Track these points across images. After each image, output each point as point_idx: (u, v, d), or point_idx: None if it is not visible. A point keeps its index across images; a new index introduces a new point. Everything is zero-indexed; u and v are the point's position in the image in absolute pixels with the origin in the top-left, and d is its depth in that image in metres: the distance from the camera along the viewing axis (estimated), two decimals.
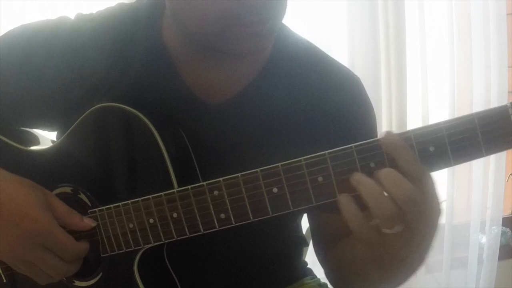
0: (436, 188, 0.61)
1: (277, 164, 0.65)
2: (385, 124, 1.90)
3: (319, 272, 1.15)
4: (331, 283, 0.92)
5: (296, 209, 0.66)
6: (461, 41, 1.97)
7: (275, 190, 0.65)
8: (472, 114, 0.60)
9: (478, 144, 0.60)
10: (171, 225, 0.72)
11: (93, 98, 0.79)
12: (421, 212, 0.59)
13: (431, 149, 0.61)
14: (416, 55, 1.92)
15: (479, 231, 2.14)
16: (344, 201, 0.62)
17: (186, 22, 0.73)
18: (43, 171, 0.83)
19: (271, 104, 0.82)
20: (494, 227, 2.15)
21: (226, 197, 0.68)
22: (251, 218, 0.68)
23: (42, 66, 0.81)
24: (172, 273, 0.81)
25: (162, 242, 0.74)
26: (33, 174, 0.80)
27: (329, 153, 0.63)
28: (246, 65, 0.82)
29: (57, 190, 0.81)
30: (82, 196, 0.80)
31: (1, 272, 0.87)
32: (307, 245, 1.06)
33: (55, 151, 0.83)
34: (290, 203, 0.65)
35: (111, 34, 0.82)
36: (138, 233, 0.74)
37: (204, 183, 0.69)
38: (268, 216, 0.67)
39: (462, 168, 2.09)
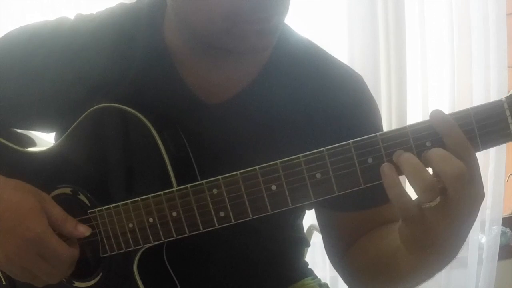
0: (479, 170, 0.60)
1: (275, 162, 0.65)
2: (385, 124, 1.90)
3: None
4: (351, 285, 0.91)
5: (295, 205, 0.66)
6: (461, 41, 1.97)
7: (273, 187, 0.66)
8: (468, 109, 0.61)
9: (475, 138, 0.60)
10: (171, 224, 0.72)
11: (93, 98, 0.79)
12: (466, 190, 0.58)
13: (428, 144, 0.61)
14: (416, 55, 1.92)
15: (479, 231, 2.14)
16: (387, 170, 0.61)
17: (190, 21, 0.73)
18: (42, 172, 0.83)
19: (271, 104, 0.81)
20: (494, 227, 2.15)
21: (225, 195, 0.68)
22: (251, 215, 0.68)
23: (42, 66, 0.81)
24: (172, 273, 0.81)
25: (161, 242, 0.74)
26: (32, 175, 0.80)
27: (327, 149, 0.63)
28: (247, 65, 0.82)
29: (57, 191, 0.81)
30: (82, 197, 0.80)
31: (0, 275, 0.87)
32: (308, 245, 1.06)
33: (54, 151, 0.83)
34: (289, 200, 0.66)
35: (111, 35, 0.82)
36: (138, 232, 0.74)
37: (203, 181, 0.69)
38: (267, 214, 0.67)
39: None
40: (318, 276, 1.06)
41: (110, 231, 0.77)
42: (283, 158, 0.65)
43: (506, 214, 2.30)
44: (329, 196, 0.65)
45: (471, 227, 0.63)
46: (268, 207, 0.67)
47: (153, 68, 0.81)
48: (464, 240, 0.64)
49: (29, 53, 0.82)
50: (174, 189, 0.71)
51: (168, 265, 0.81)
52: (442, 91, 1.98)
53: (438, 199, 0.58)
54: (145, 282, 0.78)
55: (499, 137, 0.60)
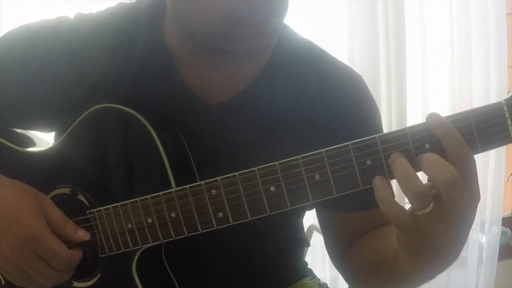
0: (477, 172, 0.60)
1: (274, 163, 0.65)
2: (385, 124, 1.90)
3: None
4: (352, 285, 0.91)
5: (293, 207, 0.66)
6: (461, 41, 1.97)
7: (272, 188, 0.66)
8: (467, 111, 0.60)
9: (474, 140, 0.60)
10: (170, 224, 0.72)
11: (92, 98, 0.79)
12: (460, 195, 0.58)
13: (427, 146, 0.61)
14: (416, 55, 1.92)
15: (479, 231, 2.14)
16: (378, 183, 0.61)
17: (189, 22, 0.73)
18: (41, 172, 0.83)
19: (272, 104, 0.81)
20: (494, 227, 2.15)
21: (224, 196, 0.68)
22: (249, 216, 0.68)
23: (42, 66, 0.81)
24: (171, 274, 0.81)
25: (160, 242, 0.74)
26: (31, 175, 0.80)
27: (326, 151, 0.63)
28: (247, 65, 0.82)
29: (56, 191, 0.81)
30: (81, 197, 0.80)
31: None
32: (307, 245, 1.06)
33: (53, 152, 0.83)
34: (287, 201, 0.66)
35: (111, 34, 0.82)
36: (137, 233, 0.74)
37: (202, 182, 0.69)
38: (266, 215, 0.67)
39: None
40: (318, 276, 1.06)
41: (109, 231, 0.76)
42: (283, 159, 0.65)
43: (506, 214, 2.30)
44: (328, 198, 0.65)
45: (470, 228, 0.63)
46: (267, 208, 0.67)
47: (153, 68, 0.80)
48: (464, 242, 0.64)
49: (28, 53, 0.82)
50: (173, 189, 0.71)
51: (167, 266, 0.81)
52: (442, 91, 1.98)
53: (431, 205, 0.58)
54: (144, 283, 0.78)
55: (499, 140, 0.60)
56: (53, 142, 0.87)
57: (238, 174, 0.67)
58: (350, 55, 1.83)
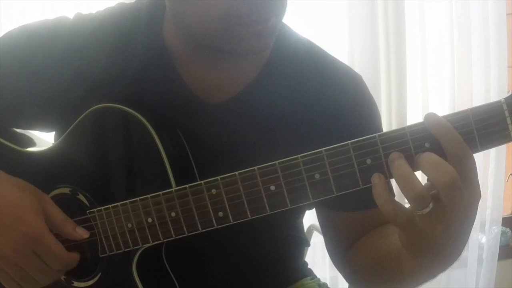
0: (476, 171, 0.60)
1: (274, 162, 0.65)
2: (385, 124, 1.90)
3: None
4: (352, 284, 0.91)
5: (293, 206, 0.66)
6: (461, 41, 1.97)
7: (272, 187, 0.66)
8: (466, 110, 0.60)
9: (473, 139, 0.60)
10: (170, 224, 0.72)
11: (92, 98, 0.79)
12: (459, 195, 0.58)
13: (427, 145, 0.61)
14: (416, 55, 1.92)
15: (479, 231, 2.14)
16: (376, 180, 0.61)
17: (187, 22, 0.73)
18: (41, 172, 0.83)
19: (271, 104, 0.81)
20: (494, 227, 2.15)
21: (224, 195, 0.68)
22: (249, 216, 0.68)
23: (42, 66, 0.81)
24: (171, 273, 0.81)
25: (160, 242, 0.74)
26: (31, 175, 0.80)
27: (325, 150, 0.63)
28: (246, 65, 0.82)
29: (56, 191, 0.81)
30: (81, 197, 0.80)
31: None
32: (307, 245, 1.06)
33: (53, 152, 0.83)
34: (287, 200, 0.66)
35: (111, 34, 0.82)
36: (137, 233, 0.74)
37: (202, 181, 0.69)
38: (266, 214, 0.67)
39: None
40: (318, 276, 1.06)
41: (109, 231, 0.77)
42: (283, 158, 0.65)
43: (506, 214, 2.30)
44: (328, 197, 0.65)
45: (471, 227, 0.63)
46: (267, 207, 0.67)
47: (153, 68, 0.81)
48: (466, 241, 0.64)
49: (28, 53, 0.82)
50: (173, 189, 0.71)
51: (167, 265, 0.81)
52: (442, 91, 1.98)
53: (431, 205, 0.58)
54: (144, 282, 0.78)
55: (498, 138, 0.60)
56: (53, 142, 0.87)
57: (238, 173, 0.67)
58: (350, 55, 1.83)
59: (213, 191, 0.69)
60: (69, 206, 0.79)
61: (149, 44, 0.81)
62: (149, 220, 0.73)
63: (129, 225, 0.74)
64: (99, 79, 0.81)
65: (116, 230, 0.76)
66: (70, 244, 0.78)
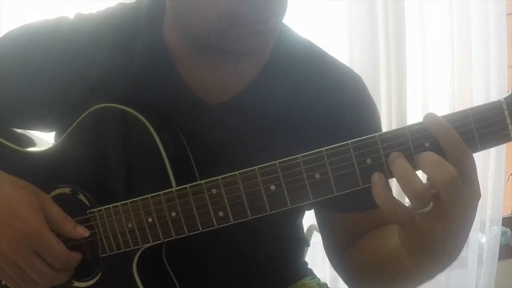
0: (476, 171, 0.60)
1: (274, 162, 0.65)
2: (385, 124, 1.90)
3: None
4: (350, 285, 0.91)
5: (294, 206, 0.66)
6: (461, 41, 1.97)
7: (272, 187, 0.66)
8: (466, 110, 0.60)
9: (473, 139, 0.60)
10: (170, 224, 0.72)
11: (92, 98, 0.79)
12: (459, 194, 0.58)
13: (427, 144, 0.61)
14: (416, 55, 1.92)
15: (479, 231, 2.14)
16: (376, 179, 0.62)
17: (187, 22, 0.73)
18: (42, 172, 0.83)
19: (271, 104, 0.81)
20: (494, 227, 2.15)
21: (224, 195, 0.68)
22: (249, 216, 0.68)
23: (42, 66, 0.81)
24: (171, 273, 0.81)
25: (161, 241, 0.74)
26: (32, 175, 0.80)
27: (326, 150, 0.63)
28: (246, 65, 0.82)
29: (56, 191, 0.81)
30: (81, 197, 0.80)
31: None
32: (307, 245, 1.06)
33: (54, 151, 0.83)
34: (288, 200, 0.66)
35: (111, 34, 0.82)
36: (137, 232, 0.74)
37: (202, 181, 0.69)
38: (266, 214, 0.67)
39: None
40: (318, 276, 1.06)
41: (109, 231, 0.77)
42: (283, 158, 0.65)
43: (506, 214, 2.30)
44: (328, 197, 0.65)
45: (471, 227, 0.63)
46: (267, 207, 0.67)
47: (153, 68, 0.81)
48: (465, 240, 0.64)
49: (29, 53, 0.82)
50: (173, 189, 0.71)
51: (167, 265, 0.81)
52: (442, 91, 1.98)
53: (431, 204, 0.58)
54: (145, 282, 0.78)
55: (498, 138, 0.60)
56: (53, 142, 0.87)
57: (239, 173, 0.67)
58: (350, 55, 1.83)
59: (214, 191, 0.69)
60: (69, 206, 0.79)
61: (149, 44, 0.81)
62: (150, 220, 0.73)
63: (130, 225, 0.74)
64: (99, 79, 0.81)
65: (117, 230, 0.76)
66: (70, 244, 0.78)
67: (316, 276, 1.06)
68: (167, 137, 0.76)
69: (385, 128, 0.80)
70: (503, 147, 2.05)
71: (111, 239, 0.77)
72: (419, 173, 0.60)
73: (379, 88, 1.88)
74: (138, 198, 0.73)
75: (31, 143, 0.90)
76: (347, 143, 0.63)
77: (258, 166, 0.66)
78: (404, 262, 0.68)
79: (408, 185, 0.58)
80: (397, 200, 0.60)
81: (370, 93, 0.88)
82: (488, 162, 2.06)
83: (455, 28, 1.94)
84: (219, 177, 0.68)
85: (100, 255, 0.79)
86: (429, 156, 0.59)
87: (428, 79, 1.95)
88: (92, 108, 0.78)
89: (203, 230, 0.71)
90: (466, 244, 0.65)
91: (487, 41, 1.95)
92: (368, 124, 0.84)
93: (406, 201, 0.61)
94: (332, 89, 0.83)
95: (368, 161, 0.62)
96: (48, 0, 1.58)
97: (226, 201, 0.68)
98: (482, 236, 2.16)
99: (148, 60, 0.81)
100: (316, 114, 0.82)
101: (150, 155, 0.75)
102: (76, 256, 0.78)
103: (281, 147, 0.79)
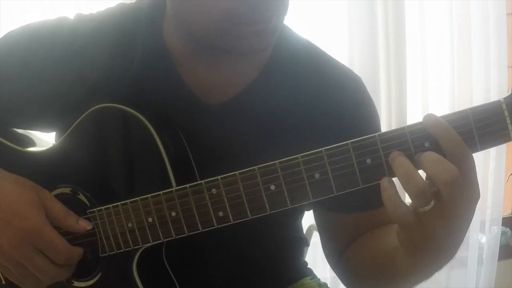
0: (476, 171, 0.61)
1: (274, 162, 0.65)
2: (385, 124, 1.90)
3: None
4: (348, 286, 0.91)
5: (293, 206, 0.66)
6: (461, 41, 1.97)
7: (272, 187, 0.66)
8: (466, 110, 0.61)
9: (473, 139, 0.60)
10: (170, 224, 0.72)
11: (92, 98, 0.79)
12: (459, 193, 0.58)
13: (427, 144, 0.61)
14: (416, 55, 1.92)
15: (479, 231, 2.14)
16: (386, 184, 0.61)
17: (188, 21, 0.73)
18: (42, 172, 0.83)
19: (271, 105, 0.81)
20: (494, 227, 2.15)
21: (224, 195, 0.68)
22: (249, 215, 0.68)
23: (42, 66, 0.82)
24: (171, 273, 0.81)
25: (161, 241, 0.74)
26: (32, 175, 0.80)
27: (325, 150, 0.63)
28: (247, 65, 0.82)
29: (56, 191, 0.81)
30: (81, 197, 0.80)
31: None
32: (307, 245, 1.06)
33: (54, 151, 0.83)
34: (287, 200, 0.66)
35: (111, 34, 0.82)
36: (137, 232, 0.74)
37: (202, 181, 0.69)
38: (266, 214, 0.67)
39: None
40: (318, 276, 1.06)
41: (109, 231, 0.77)
42: (282, 158, 0.65)
43: (506, 214, 2.29)
44: (328, 196, 0.65)
45: (469, 226, 0.63)
46: (267, 207, 0.67)
47: (153, 68, 0.81)
48: (462, 239, 0.64)
49: (29, 53, 0.83)
50: (173, 189, 0.71)
51: (167, 265, 0.81)
52: (442, 91, 1.98)
53: (432, 202, 0.59)
54: (144, 282, 0.78)
55: (498, 138, 0.60)
56: (53, 142, 0.87)
57: (239, 173, 0.67)
58: (350, 55, 1.83)
59: (214, 190, 0.69)
60: (69, 205, 0.79)
61: (149, 44, 0.81)
62: (150, 219, 0.73)
63: (130, 225, 0.75)
64: (99, 79, 0.81)
65: (117, 230, 0.76)
66: (72, 244, 0.78)
67: (316, 276, 1.06)
68: (167, 137, 0.76)
69: (385, 128, 0.80)
70: (503, 147, 2.04)
71: (111, 239, 0.77)
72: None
73: (379, 88, 1.88)
74: (138, 198, 0.73)
75: (32, 143, 0.90)
76: (347, 143, 0.63)
77: (258, 166, 0.66)
78: (402, 262, 0.68)
79: (410, 183, 0.59)
80: (406, 205, 0.61)
81: (370, 93, 0.88)
82: (488, 162, 2.06)
83: (455, 28, 1.94)
84: (219, 177, 0.68)
85: (100, 255, 0.79)
86: (431, 155, 0.59)
87: (428, 79, 1.95)
88: (92, 108, 0.78)
89: (203, 230, 0.71)
90: (466, 244, 0.65)
91: (487, 41, 1.95)
92: (368, 125, 0.84)
93: (407, 201, 0.61)
94: (332, 89, 0.83)
95: (368, 161, 0.62)
96: (48, 0, 1.58)
97: (226, 201, 0.68)
98: (482, 236, 2.15)
99: (149, 60, 0.81)
100: (316, 114, 0.82)
101: (150, 155, 0.75)
102: (78, 251, 0.78)
103: (281, 147, 0.79)
